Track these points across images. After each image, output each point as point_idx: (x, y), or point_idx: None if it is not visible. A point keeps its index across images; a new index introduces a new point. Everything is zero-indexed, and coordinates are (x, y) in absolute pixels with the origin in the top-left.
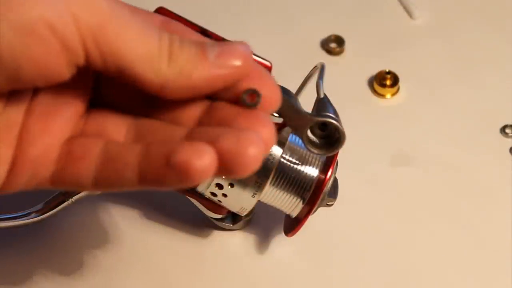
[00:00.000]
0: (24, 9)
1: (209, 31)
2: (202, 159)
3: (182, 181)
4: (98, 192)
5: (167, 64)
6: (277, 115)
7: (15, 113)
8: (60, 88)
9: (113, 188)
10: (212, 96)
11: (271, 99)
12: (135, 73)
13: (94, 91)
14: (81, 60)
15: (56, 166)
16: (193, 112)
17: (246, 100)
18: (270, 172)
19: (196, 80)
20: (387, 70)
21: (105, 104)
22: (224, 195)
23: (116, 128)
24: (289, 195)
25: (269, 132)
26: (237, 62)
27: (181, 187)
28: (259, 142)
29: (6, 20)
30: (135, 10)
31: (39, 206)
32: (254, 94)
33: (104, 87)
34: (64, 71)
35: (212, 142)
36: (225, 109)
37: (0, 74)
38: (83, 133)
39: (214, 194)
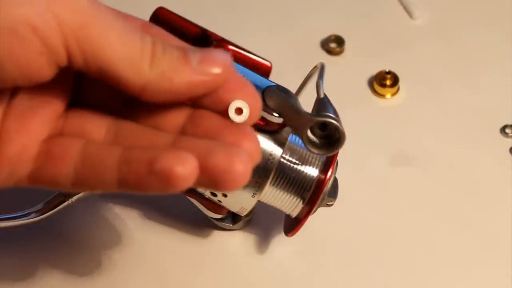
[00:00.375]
0: (7, 9)
1: (209, 31)
2: (185, 167)
3: (163, 187)
4: (99, 192)
5: (149, 66)
6: (277, 115)
7: None
8: (39, 88)
9: (92, 189)
10: (195, 104)
11: (253, 109)
12: (117, 74)
13: (74, 90)
14: (63, 61)
15: (34, 165)
16: (176, 118)
17: (234, 114)
18: (270, 172)
19: (177, 84)
20: (387, 70)
21: (85, 103)
22: (224, 195)
23: (96, 128)
24: (289, 195)
25: (255, 146)
26: (218, 70)
27: (161, 193)
28: (247, 159)
29: None
30: (117, 13)
31: (39, 206)
32: (241, 109)
33: (85, 86)
34: (46, 71)
35: (201, 156)
36: (211, 120)
37: None
38: (62, 132)
39: (214, 194)
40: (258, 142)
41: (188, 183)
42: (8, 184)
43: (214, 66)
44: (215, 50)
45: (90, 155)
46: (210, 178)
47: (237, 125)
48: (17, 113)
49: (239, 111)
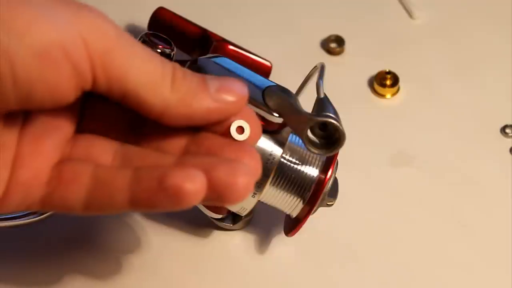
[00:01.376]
0: (40, 33)
1: (209, 31)
2: (194, 183)
3: (174, 204)
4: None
5: (169, 91)
6: (277, 115)
7: (10, 135)
8: (51, 112)
9: (104, 211)
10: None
11: (255, 133)
12: (139, 98)
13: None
14: (88, 85)
15: (46, 189)
16: (179, 141)
17: (235, 133)
18: (270, 172)
19: (196, 110)
20: (387, 70)
21: (89, 130)
22: None
23: (103, 153)
24: (289, 195)
25: (256, 163)
26: (234, 98)
27: (172, 210)
28: (249, 173)
29: (23, 44)
30: (136, 41)
31: None
32: (242, 127)
33: (88, 113)
34: (72, 94)
35: (205, 171)
36: (212, 140)
37: (14, 94)
38: (71, 157)
39: None
40: (259, 159)
41: (198, 199)
42: (21, 208)
43: (231, 95)
44: (232, 80)
45: (101, 178)
46: (214, 192)
47: (238, 143)
48: (31, 137)
49: (240, 129)
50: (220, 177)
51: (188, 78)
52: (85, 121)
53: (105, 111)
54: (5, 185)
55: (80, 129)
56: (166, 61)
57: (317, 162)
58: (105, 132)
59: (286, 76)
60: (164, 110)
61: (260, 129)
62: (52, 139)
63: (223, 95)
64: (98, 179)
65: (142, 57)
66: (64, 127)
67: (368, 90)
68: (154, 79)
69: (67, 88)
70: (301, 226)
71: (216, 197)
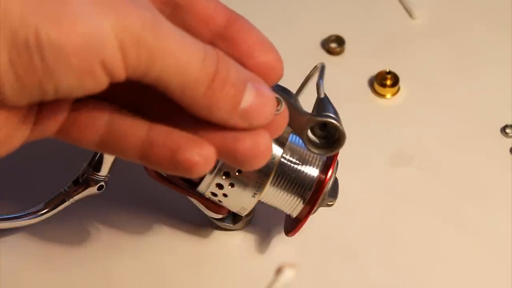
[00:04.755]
0: (88, 20)
1: None
2: (203, 157)
3: (183, 174)
4: (99, 192)
5: (203, 93)
6: None
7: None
8: None
9: (115, 155)
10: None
11: (275, 66)
12: (170, 85)
13: None
14: (121, 74)
15: (62, 124)
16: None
17: None
18: (270, 172)
19: (220, 120)
20: (388, 70)
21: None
22: (225, 195)
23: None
24: (289, 195)
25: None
26: (260, 123)
27: (178, 175)
28: (269, 142)
29: (66, 35)
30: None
31: (39, 206)
32: (278, 101)
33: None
34: (103, 83)
35: (219, 142)
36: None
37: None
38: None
39: (214, 194)
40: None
41: (205, 171)
42: (34, 101)
43: (260, 120)
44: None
45: (116, 128)
46: (236, 157)
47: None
48: None
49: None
50: (244, 145)
51: (229, 82)
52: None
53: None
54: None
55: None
56: (210, 52)
57: (317, 162)
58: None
59: (286, 76)
60: (190, 108)
61: (280, 60)
62: None
63: (251, 119)
64: (113, 128)
65: (180, 43)
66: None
67: (368, 90)
68: (189, 76)
69: (99, 79)
70: (301, 226)
71: (240, 162)
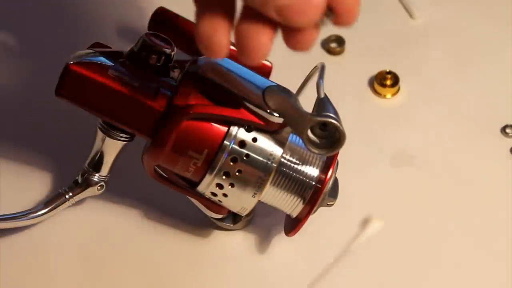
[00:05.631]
0: None
1: None
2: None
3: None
4: (99, 192)
5: None
6: (277, 115)
7: None
8: None
9: None
10: None
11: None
12: None
13: None
14: None
15: None
16: None
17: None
18: (270, 172)
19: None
20: (388, 70)
21: None
22: (225, 195)
23: None
24: (289, 195)
25: None
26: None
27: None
28: None
29: None
30: None
31: (39, 206)
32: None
33: None
34: None
35: None
36: None
37: None
38: None
39: (214, 194)
40: None
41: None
42: None
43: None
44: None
45: None
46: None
47: None
48: None
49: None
50: None
51: None
52: None
53: None
54: None
55: None
56: None
57: (317, 162)
58: None
59: (286, 76)
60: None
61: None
62: None
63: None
64: None
65: None
66: None
67: (368, 90)
68: None
69: None
70: (301, 226)
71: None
